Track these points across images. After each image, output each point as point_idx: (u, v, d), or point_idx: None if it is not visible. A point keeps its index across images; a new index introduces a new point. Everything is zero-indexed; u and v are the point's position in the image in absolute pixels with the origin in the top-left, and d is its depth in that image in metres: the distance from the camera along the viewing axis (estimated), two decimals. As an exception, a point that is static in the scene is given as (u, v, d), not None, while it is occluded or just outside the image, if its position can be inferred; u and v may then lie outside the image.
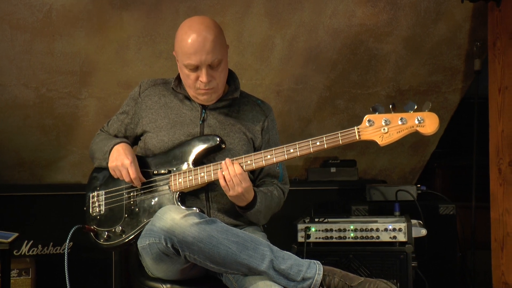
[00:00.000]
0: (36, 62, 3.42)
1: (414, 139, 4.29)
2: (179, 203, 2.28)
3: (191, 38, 2.25)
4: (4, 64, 3.39)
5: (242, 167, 2.22)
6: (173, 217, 2.08)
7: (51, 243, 3.60)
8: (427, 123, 2.11)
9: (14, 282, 3.26)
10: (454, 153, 4.87)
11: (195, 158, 2.31)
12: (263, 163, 2.23)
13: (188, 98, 2.42)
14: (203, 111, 2.41)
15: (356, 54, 3.81)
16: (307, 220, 2.95)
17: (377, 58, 3.85)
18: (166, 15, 3.39)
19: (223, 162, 2.23)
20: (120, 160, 2.32)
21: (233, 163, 2.21)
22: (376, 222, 2.90)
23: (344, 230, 2.86)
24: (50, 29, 3.30)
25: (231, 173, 2.20)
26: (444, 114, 4.21)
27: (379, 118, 2.15)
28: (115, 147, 2.37)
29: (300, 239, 2.86)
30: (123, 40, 3.46)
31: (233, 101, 2.45)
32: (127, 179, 2.32)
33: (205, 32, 2.26)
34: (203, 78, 2.28)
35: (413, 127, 2.12)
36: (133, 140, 2.53)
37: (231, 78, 2.48)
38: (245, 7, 3.47)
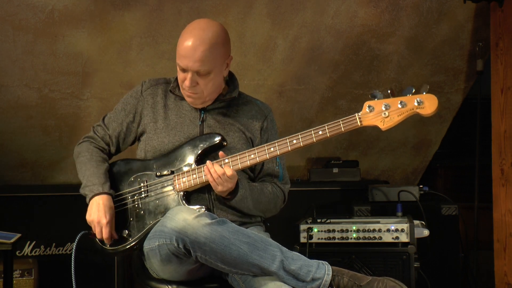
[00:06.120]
0: (39, 63, 3.43)
1: (416, 140, 4.28)
2: (184, 203, 2.28)
3: (186, 41, 2.26)
4: (7, 65, 3.39)
5: (246, 162, 2.23)
6: (185, 218, 2.08)
7: (54, 244, 3.61)
8: (427, 104, 2.12)
9: (17, 282, 3.26)
10: (456, 153, 4.87)
11: (197, 157, 2.31)
12: (267, 156, 2.23)
13: None
14: (202, 112, 2.41)
15: (358, 55, 3.81)
16: (309, 221, 2.95)
17: (379, 58, 3.85)
18: (168, 15, 3.39)
19: (208, 162, 2.24)
20: (98, 217, 2.28)
21: (213, 165, 2.22)
22: (378, 222, 2.89)
23: (347, 230, 2.86)
24: (53, 30, 3.30)
25: (218, 172, 2.21)
26: (447, 114, 4.21)
27: (379, 104, 2.16)
28: (95, 198, 2.32)
29: (303, 239, 2.86)
30: (126, 40, 3.46)
31: (231, 101, 2.45)
32: (99, 236, 2.30)
33: (202, 39, 2.25)
34: (187, 82, 2.29)
35: (413, 109, 2.14)
36: (132, 141, 2.51)
37: (230, 79, 2.48)
38: (248, 8, 3.47)
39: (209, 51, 2.25)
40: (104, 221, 2.28)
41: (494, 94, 3.50)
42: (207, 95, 2.35)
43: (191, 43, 2.24)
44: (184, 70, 2.29)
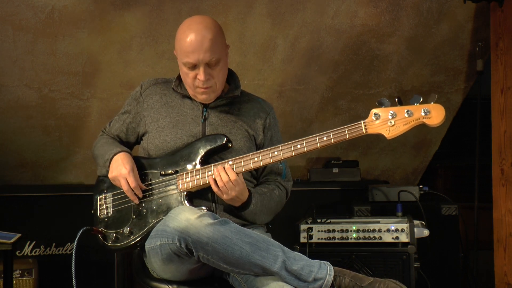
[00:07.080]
0: (39, 63, 3.43)
1: (416, 140, 4.28)
2: (187, 203, 2.28)
3: (189, 37, 2.28)
4: (7, 65, 3.39)
5: (249, 165, 2.23)
6: (187, 217, 2.08)
7: (54, 244, 3.60)
8: (434, 114, 2.11)
9: (17, 282, 3.26)
10: (456, 153, 4.87)
11: (202, 157, 2.32)
12: (271, 160, 2.23)
13: (188, 97, 2.44)
14: (205, 109, 2.42)
15: (358, 55, 3.81)
16: (309, 221, 2.95)
17: (379, 58, 3.85)
18: (168, 15, 3.39)
19: (214, 168, 2.24)
20: (118, 170, 2.33)
21: (225, 169, 2.22)
22: (378, 222, 2.89)
23: (347, 230, 2.86)
24: (53, 30, 3.30)
25: (223, 179, 2.21)
26: (447, 114, 4.19)
27: (385, 112, 2.14)
28: (114, 157, 2.38)
29: (303, 239, 2.86)
30: (126, 40, 3.46)
31: (233, 99, 2.46)
32: (125, 188, 2.32)
33: (203, 32, 2.28)
34: (201, 76, 2.30)
35: (419, 119, 2.12)
36: (135, 140, 2.54)
37: (231, 77, 2.49)
38: (248, 8, 3.47)
39: (214, 40, 2.29)
40: (124, 171, 2.32)
41: (494, 94, 3.50)
42: (219, 87, 2.38)
43: (195, 37, 2.27)
44: (194, 67, 2.30)
